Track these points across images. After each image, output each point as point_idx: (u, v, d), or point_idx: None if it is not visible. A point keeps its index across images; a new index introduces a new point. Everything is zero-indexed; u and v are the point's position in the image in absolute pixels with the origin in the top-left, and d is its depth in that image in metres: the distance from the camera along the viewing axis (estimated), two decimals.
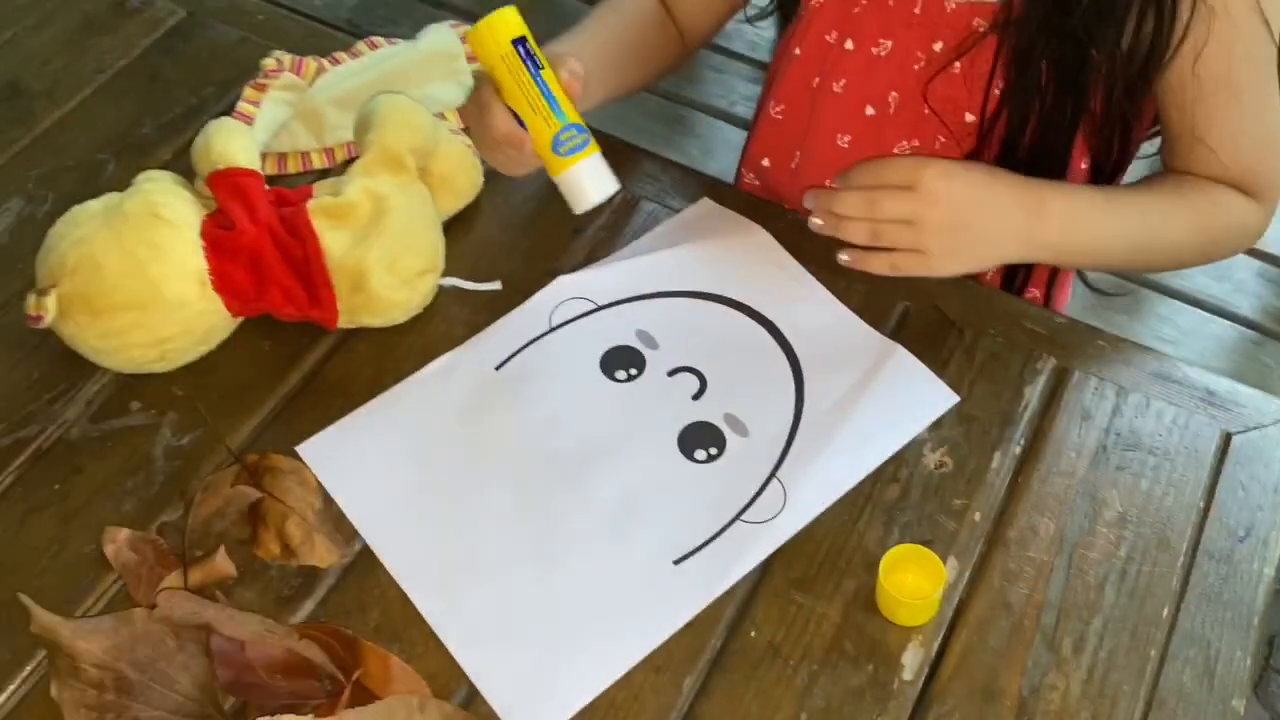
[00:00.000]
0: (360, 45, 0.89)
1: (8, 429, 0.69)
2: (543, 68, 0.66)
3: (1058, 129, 0.72)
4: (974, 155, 0.76)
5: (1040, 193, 0.70)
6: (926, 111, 0.75)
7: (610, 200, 0.70)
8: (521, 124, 0.66)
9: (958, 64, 0.73)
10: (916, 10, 0.73)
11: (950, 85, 0.74)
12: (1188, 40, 0.67)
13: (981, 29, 0.71)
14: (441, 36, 0.89)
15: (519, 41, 0.66)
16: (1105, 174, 0.77)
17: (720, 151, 1.40)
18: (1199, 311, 1.24)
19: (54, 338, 0.72)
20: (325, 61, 0.86)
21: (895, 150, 0.78)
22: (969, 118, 0.75)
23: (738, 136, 1.19)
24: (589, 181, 0.67)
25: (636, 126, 1.40)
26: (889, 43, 0.75)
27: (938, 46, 0.73)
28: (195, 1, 0.94)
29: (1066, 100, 0.71)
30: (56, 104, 0.87)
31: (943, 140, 0.77)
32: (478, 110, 0.68)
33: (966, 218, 0.68)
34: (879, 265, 0.69)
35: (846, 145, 0.80)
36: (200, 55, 0.90)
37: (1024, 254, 0.72)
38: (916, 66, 0.74)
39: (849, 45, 0.77)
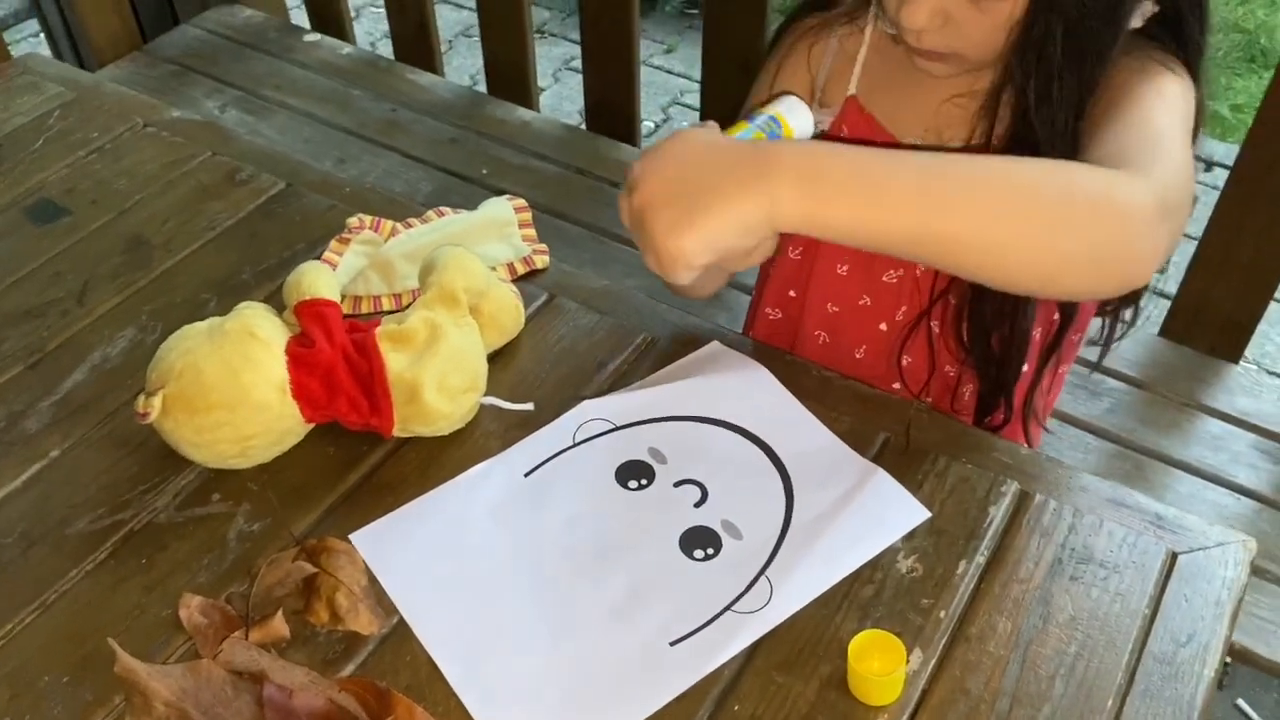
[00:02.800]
0: (430, 214, 1.04)
1: (108, 512, 0.81)
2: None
3: None
4: (940, 279, 0.85)
5: (773, 148, 0.64)
6: None
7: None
8: None
9: None
10: None
11: None
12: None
13: None
14: (498, 207, 1.05)
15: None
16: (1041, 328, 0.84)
17: (723, 305, 1.52)
18: (1197, 480, 1.32)
19: (152, 440, 0.85)
20: (399, 225, 1.02)
21: (883, 279, 0.90)
22: None
23: (735, 295, 1.34)
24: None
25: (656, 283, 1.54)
26: None
27: None
28: (294, 175, 1.12)
29: None
30: (171, 253, 1.03)
31: (922, 270, 0.88)
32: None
33: (672, 191, 0.63)
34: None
35: (844, 273, 0.91)
36: (295, 218, 1.07)
37: (762, 208, 0.61)
38: None
39: None
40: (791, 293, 0.97)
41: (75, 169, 1.13)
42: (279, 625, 0.72)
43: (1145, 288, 0.89)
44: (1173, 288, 1.56)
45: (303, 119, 1.82)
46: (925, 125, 0.84)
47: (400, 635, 0.73)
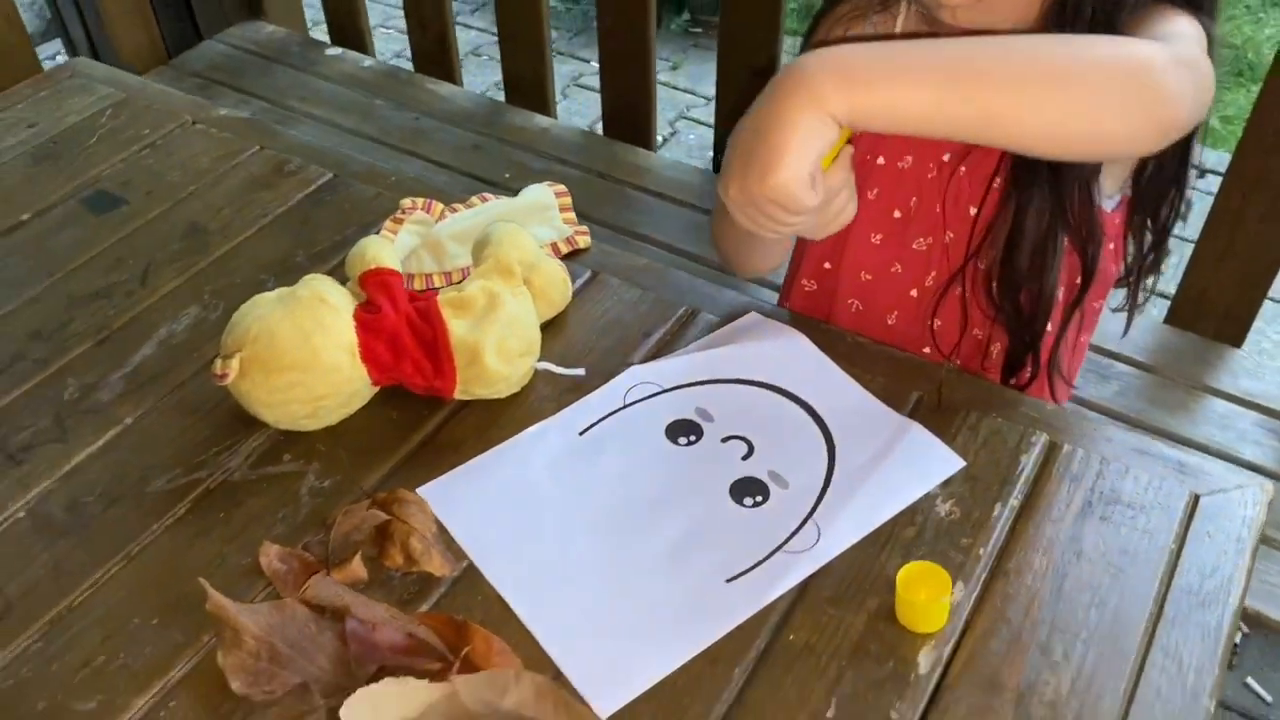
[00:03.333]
0: (474, 199, 1.09)
1: (184, 472, 0.85)
2: None
3: (1044, 212, 0.86)
4: (974, 242, 0.91)
5: (801, 60, 0.70)
6: (938, 210, 0.92)
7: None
8: None
9: (963, 168, 0.90)
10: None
11: (957, 186, 0.91)
12: None
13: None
14: (539, 192, 1.10)
15: None
16: (1087, 256, 0.89)
17: (759, 281, 1.58)
18: (1205, 457, 1.37)
19: (222, 405, 0.89)
20: (447, 209, 1.07)
21: (913, 246, 0.95)
22: (971, 210, 0.92)
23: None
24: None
25: (709, 239, 1.60)
26: (910, 157, 0.94)
27: (945, 157, 0.91)
28: (340, 166, 1.17)
29: (1051, 187, 0.85)
30: (228, 239, 1.08)
31: (951, 235, 0.93)
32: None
33: (747, 148, 0.71)
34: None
35: (878, 242, 0.97)
36: (343, 205, 1.11)
37: (815, 112, 0.67)
38: (930, 175, 0.92)
39: (880, 160, 0.95)
40: (827, 265, 1.03)
41: (129, 163, 1.18)
42: (357, 568, 0.76)
43: (1165, 253, 0.94)
44: (1172, 288, 1.62)
45: (328, 128, 1.88)
46: None
47: (470, 578, 0.77)
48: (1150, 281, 0.96)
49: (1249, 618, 1.23)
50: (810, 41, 1.00)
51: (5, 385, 0.93)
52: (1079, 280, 0.91)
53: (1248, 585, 0.77)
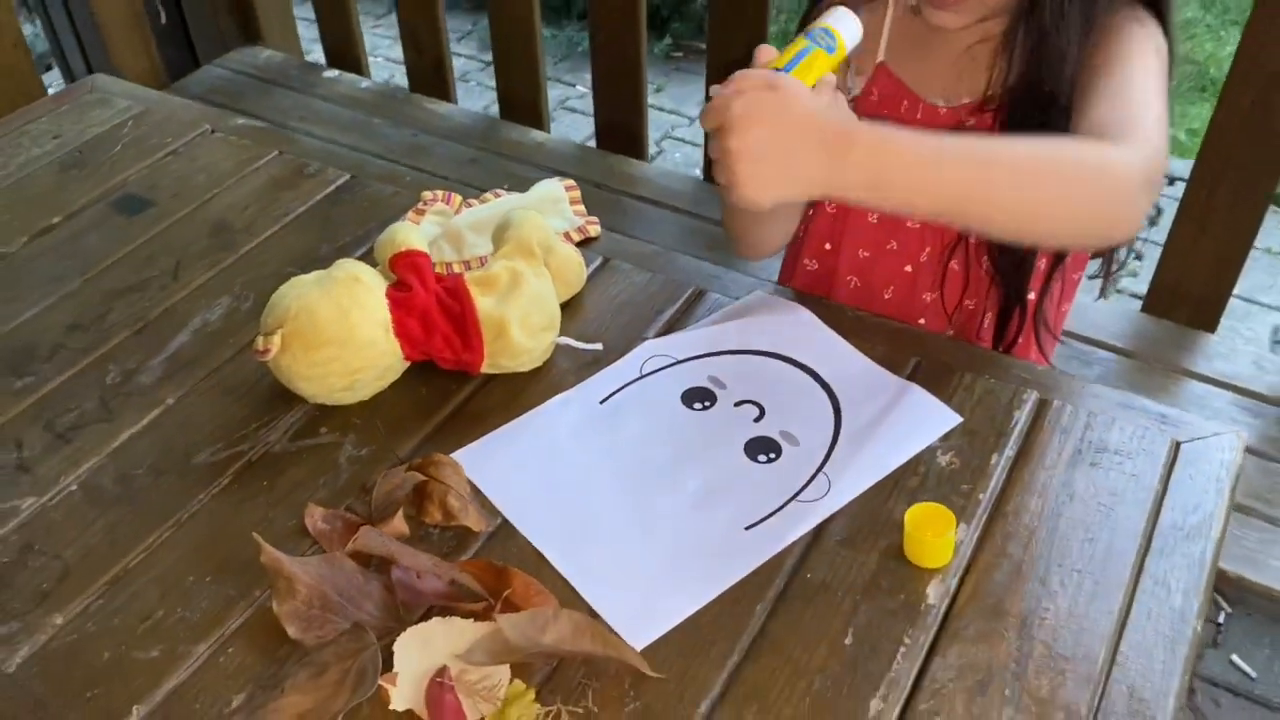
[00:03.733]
0: (488, 194, 1.15)
1: (225, 446, 0.90)
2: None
3: None
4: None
5: (852, 130, 0.72)
6: None
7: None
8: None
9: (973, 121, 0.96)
10: (918, 116, 0.98)
11: None
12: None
13: (969, 124, 0.96)
14: (549, 186, 1.16)
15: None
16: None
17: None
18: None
19: (259, 385, 0.94)
20: (464, 202, 1.12)
21: (908, 224, 1.02)
22: None
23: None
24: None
25: (705, 239, 1.67)
26: None
27: None
28: (358, 167, 1.22)
29: None
30: (253, 236, 1.13)
31: None
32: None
33: (763, 151, 0.71)
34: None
35: (875, 222, 1.03)
36: (362, 204, 1.17)
37: (830, 187, 0.73)
38: None
39: None
40: (827, 245, 1.09)
41: (154, 168, 1.23)
42: (399, 523, 0.81)
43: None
44: (1143, 287, 1.70)
45: (330, 145, 1.93)
46: (946, 84, 0.97)
47: (505, 533, 0.82)
48: (1122, 254, 1.02)
49: (1230, 581, 1.30)
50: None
51: (49, 373, 0.98)
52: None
53: (1227, 522, 0.83)
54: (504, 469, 0.87)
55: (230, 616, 0.77)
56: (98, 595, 0.79)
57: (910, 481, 0.85)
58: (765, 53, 0.78)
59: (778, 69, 0.77)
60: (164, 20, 2.29)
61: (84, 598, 0.79)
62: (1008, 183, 0.74)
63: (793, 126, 0.72)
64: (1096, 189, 0.75)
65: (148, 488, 0.87)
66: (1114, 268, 1.02)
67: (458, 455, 0.88)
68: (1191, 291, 1.60)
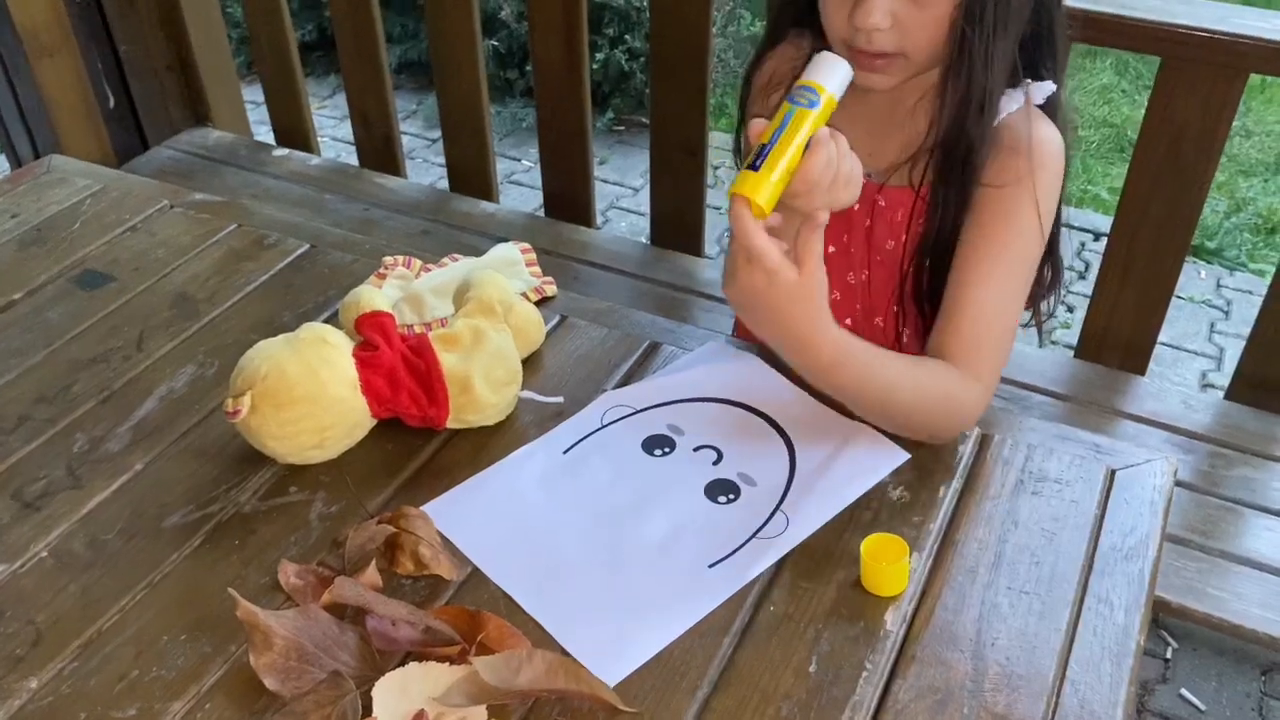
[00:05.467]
0: (445, 259, 1.19)
1: (196, 508, 0.92)
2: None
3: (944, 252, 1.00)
4: (901, 270, 1.04)
5: (807, 335, 0.87)
6: (854, 251, 1.04)
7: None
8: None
9: (869, 220, 1.03)
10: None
11: (878, 225, 1.04)
12: (991, 208, 0.96)
13: (881, 202, 1.02)
14: (505, 250, 1.20)
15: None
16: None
17: (722, 312, 1.73)
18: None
19: (228, 448, 0.96)
20: (423, 267, 1.16)
21: (848, 279, 1.08)
22: (878, 257, 1.06)
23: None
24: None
25: (655, 301, 1.73)
26: None
27: (855, 206, 1.03)
28: (317, 237, 1.25)
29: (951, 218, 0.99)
30: (216, 305, 1.15)
31: (865, 274, 1.05)
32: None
33: (753, 322, 0.88)
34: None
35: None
36: (323, 272, 1.20)
37: (784, 354, 0.90)
38: (855, 212, 1.04)
39: None
40: None
41: (114, 244, 1.25)
42: (372, 575, 0.83)
43: (1061, 275, 1.09)
44: (1075, 339, 1.78)
45: (287, 218, 1.96)
46: (874, 148, 1.02)
47: (476, 581, 0.85)
48: (1050, 301, 1.09)
49: (1173, 611, 1.34)
50: (744, 100, 1.12)
51: (15, 444, 0.99)
52: None
53: (1163, 542, 0.88)
54: (473, 519, 0.89)
55: (207, 673, 0.78)
56: (72, 658, 0.80)
57: (864, 515, 0.89)
58: (757, 127, 0.83)
59: (764, 144, 0.81)
60: (113, 103, 2.32)
61: (58, 661, 0.80)
62: (875, 398, 0.93)
63: (771, 322, 0.87)
64: (940, 418, 0.94)
65: (119, 551, 0.88)
66: (1043, 317, 1.09)
67: (427, 508, 0.90)
68: (1120, 337, 1.67)
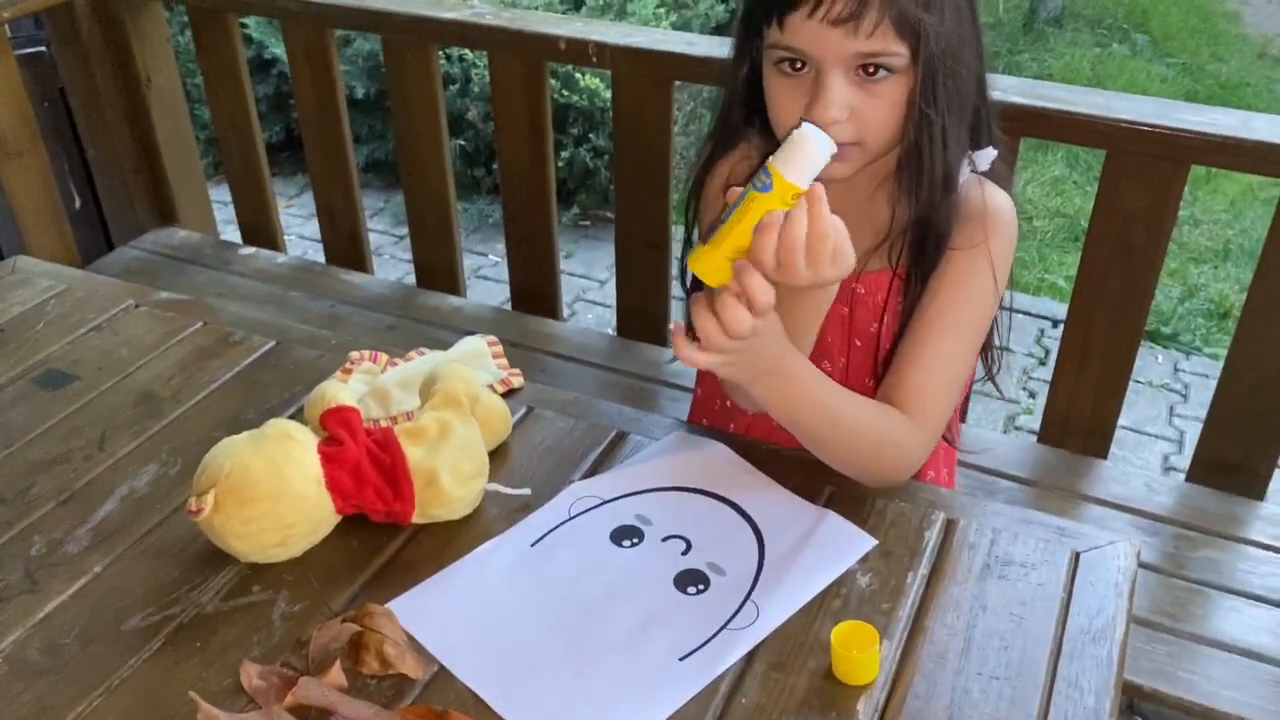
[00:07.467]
0: (412, 353, 1.20)
1: (157, 609, 0.90)
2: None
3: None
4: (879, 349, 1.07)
5: (774, 368, 0.90)
6: (830, 339, 1.06)
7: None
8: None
9: (846, 308, 1.06)
10: None
11: (844, 320, 1.06)
12: (951, 269, 1.00)
13: (860, 289, 1.04)
14: (472, 343, 1.21)
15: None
16: None
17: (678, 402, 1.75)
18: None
19: (189, 548, 0.95)
20: (389, 361, 1.16)
21: (824, 366, 1.09)
22: (857, 343, 1.07)
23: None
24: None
25: (621, 392, 1.74)
26: None
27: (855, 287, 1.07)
28: (282, 333, 1.26)
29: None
30: (180, 403, 1.15)
31: (842, 360, 1.07)
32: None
33: (738, 370, 0.89)
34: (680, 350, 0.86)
35: None
36: (289, 367, 1.20)
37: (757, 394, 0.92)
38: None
39: None
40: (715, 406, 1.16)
41: (77, 344, 1.25)
42: (337, 674, 0.82)
43: (1001, 358, 1.12)
44: (1038, 424, 1.80)
45: (252, 316, 1.96)
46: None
47: (443, 679, 0.83)
48: (997, 355, 1.12)
49: (1145, 695, 1.34)
50: (696, 197, 1.13)
51: None
52: None
53: (1129, 624, 0.88)
54: (439, 616, 0.88)
55: None
56: None
57: (834, 603, 0.88)
58: (730, 197, 0.84)
59: (718, 221, 0.83)
60: (78, 204, 2.33)
61: None
62: (837, 439, 0.97)
63: (752, 363, 0.89)
64: (890, 461, 0.99)
65: (76, 656, 0.86)
66: (994, 370, 1.12)
67: (392, 605, 0.89)
68: (1081, 421, 1.70)
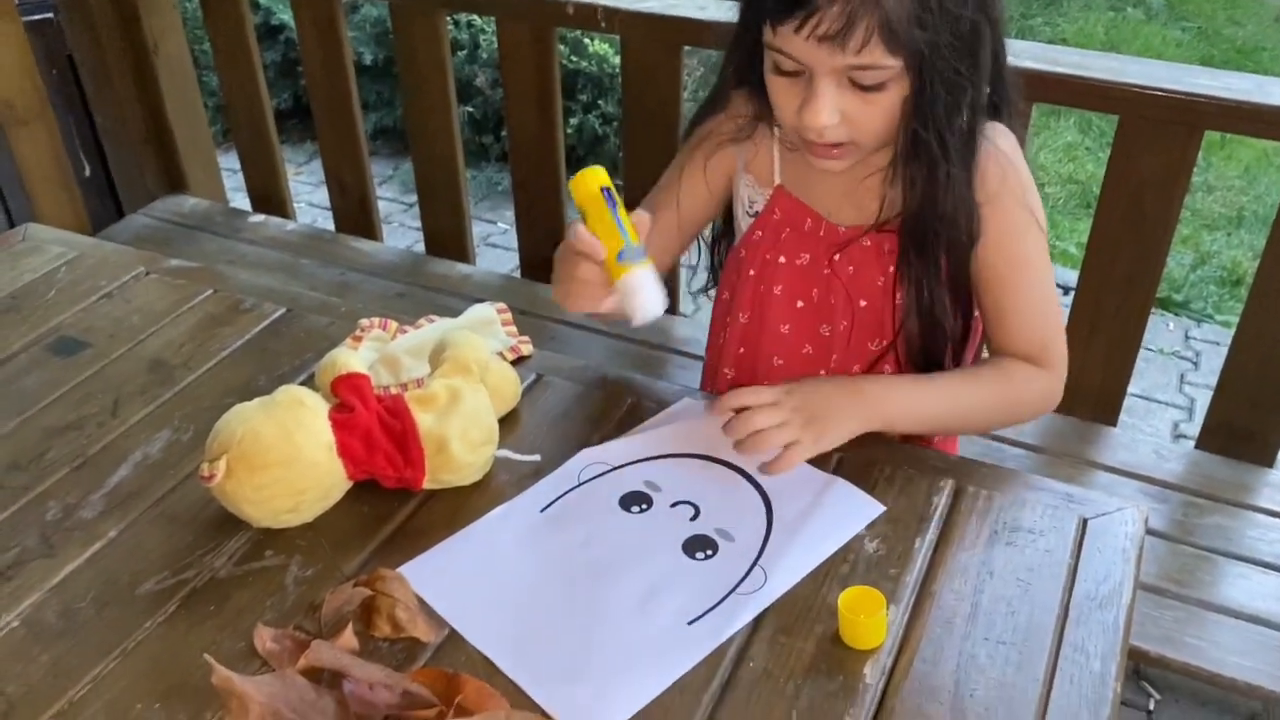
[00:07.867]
0: (422, 320, 1.20)
1: (171, 574, 0.91)
2: (618, 205, 0.92)
3: (927, 301, 1.03)
4: (871, 325, 1.06)
5: (858, 384, 1.00)
6: (833, 301, 1.06)
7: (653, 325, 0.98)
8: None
9: (851, 266, 1.05)
10: (821, 233, 1.07)
11: (849, 281, 1.05)
12: (988, 229, 1.00)
13: (865, 243, 1.04)
14: (481, 310, 1.21)
15: (604, 189, 0.92)
16: (957, 339, 1.07)
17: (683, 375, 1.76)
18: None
19: (202, 514, 0.96)
20: (400, 328, 1.17)
21: (820, 331, 1.09)
22: (862, 303, 1.06)
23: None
24: (644, 289, 0.91)
25: (631, 359, 1.76)
26: (806, 255, 1.08)
27: (836, 256, 1.06)
28: (293, 300, 1.26)
29: (929, 280, 1.01)
30: (191, 370, 1.15)
31: (844, 324, 1.07)
32: (569, 238, 0.93)
33: (814, 411, 0.96)
34: (784, 465, 0.94)
35: (787, 332, 1.10)
36: (299, 335, 1.20)
37: (868, 425, 0.98)
38: (825, 271, 1.06)
39: (781, 259, 1.09)
40: (742, 349, 1.16)
41: (89, 311, 1.25)
42: (349, 638, 0.82)
43: None
44: None
45: (263, 283, 1.97)
46: (841, 207, 1.05)
47: (453, 643, 0.84)
48: None
49: (1151, 660, 1.35)
50: (683, 151, 1.14)
51: None
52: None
53: (1136, 590, 0.89)
54: (449, 580, 0.89)
55: None
56: None
57: (841, 569, 0.89)
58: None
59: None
60: (88, 172, 2.33)
61: None
62: (974, 415, 1.06)
63: (827, 391, 1.00)
64: (1030, 410, 1.08)
65: (92, 620, 0.87)
66: None
67: (403, 570, 0.89)
68: (1090, 388, 1.69)
